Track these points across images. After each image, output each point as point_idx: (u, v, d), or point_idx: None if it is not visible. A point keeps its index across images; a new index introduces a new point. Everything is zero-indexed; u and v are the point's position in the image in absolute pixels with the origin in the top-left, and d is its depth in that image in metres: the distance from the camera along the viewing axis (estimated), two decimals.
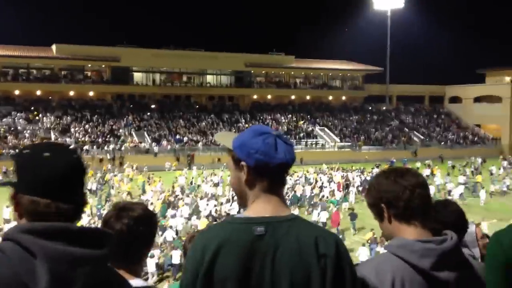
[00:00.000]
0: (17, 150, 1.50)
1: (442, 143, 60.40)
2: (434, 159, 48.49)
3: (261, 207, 1.73)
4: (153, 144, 49.18)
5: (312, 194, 29.58)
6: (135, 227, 2.21)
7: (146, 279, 16.42)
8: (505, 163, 45.28)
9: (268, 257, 1.64)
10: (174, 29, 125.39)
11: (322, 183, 33.40)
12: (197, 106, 60.66)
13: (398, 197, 1.84)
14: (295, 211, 24.56)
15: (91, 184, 32.88)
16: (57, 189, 1.41)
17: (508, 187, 33.76)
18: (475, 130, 66.26)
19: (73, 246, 1.34)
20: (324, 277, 1.63)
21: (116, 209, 2.30)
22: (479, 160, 45.87)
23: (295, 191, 29.98)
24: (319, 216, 23.89)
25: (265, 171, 1.72)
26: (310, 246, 1.65)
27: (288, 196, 27.91)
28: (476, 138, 63.92)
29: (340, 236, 21.79)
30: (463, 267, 1.82)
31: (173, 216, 23.08)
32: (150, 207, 24.94)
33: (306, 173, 37.23)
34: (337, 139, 57.48)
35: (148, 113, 56.36)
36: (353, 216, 24.10)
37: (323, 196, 29.19)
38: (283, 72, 67.33)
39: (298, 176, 35.59)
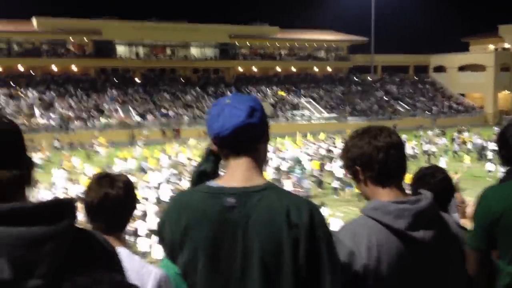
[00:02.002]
0: None
1: (427, 112, 60.78)
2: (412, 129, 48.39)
3: (230, 175, 1.72)
4: (139, 118, 48.89)
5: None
6: (129, 191, 2.30)
7: None
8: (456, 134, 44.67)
9: (239, 228, 1.62)
10: (156, 0, 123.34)
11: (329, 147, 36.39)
12: (182, 80, 60.18)
13: (372, 159, 1.83)
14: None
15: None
16: None
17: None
18: (460, 99, 66.70)
19: (28, 226, 1.22)
20: (297, 248, 1.59)
21: (104, 176, 2.35)
22: (430, 132, 46.00)
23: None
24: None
25: (215, 141, 1.74)
26: (281, 216, 1.60)
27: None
28: (460, 107, 64.40)
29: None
30: (438, 226, 1.85)
31: None
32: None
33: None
34: (323, 111, 57.56)
35: (133, 87, 55.83)
36: None
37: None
38: (268, 44, 66.83)
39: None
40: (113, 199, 2.24)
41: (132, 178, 17.59)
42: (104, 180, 2.31)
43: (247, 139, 1.71)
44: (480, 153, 33.02)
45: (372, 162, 1.84)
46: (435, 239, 1.80)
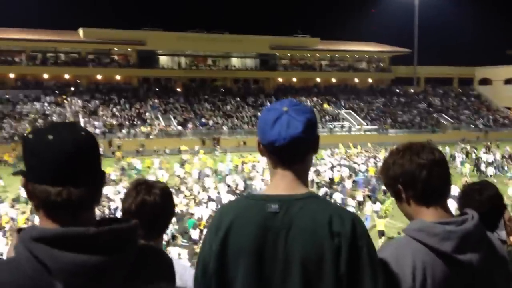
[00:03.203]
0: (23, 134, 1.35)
1: (472, 126, 59.30)
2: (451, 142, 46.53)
3: (275, 185, 1.71)
4: (179, 127, 49.59)
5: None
6: (165, 198, 2.32)
7: None
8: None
9: (281, 235, 1.61)
10: (199, 11, 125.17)
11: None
12: (222, 90, 60.75)
13: (415, 178, 1.75)
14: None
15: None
16: (66, 174, 1.27)
17: None
18: (506, 112, 64.79)
19: (91, 254, 1.23)
20: (338, 256, 1.58)
21: (142, 183, 2.36)
22: (447, 148, 41.36)
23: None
24: None
25: (267, 148, 1.70)
26: (323, 225, 1.59)
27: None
28: (506, 121, 62.54)
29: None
30: (485, 248, 1.76)
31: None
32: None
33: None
34: (363, 122, 56.98)
35: (174, 97, 56.74)
36: None
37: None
38: (309, 55, 66.76)
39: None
40: (150, 205, 2.26)
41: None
42: (141, 187, 2.33)
43: (300, 151, 1.71)
44: (476, 164, 34.01)
45: (415, 181, 1.76)
46: (481, 262, 1.72)
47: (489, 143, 44.14)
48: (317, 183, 27.76)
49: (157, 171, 31.11)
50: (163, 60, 61.02)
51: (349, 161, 35.15)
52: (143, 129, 47.72)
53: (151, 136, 46.62)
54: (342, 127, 55.46)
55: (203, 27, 61.91)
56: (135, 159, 36.13)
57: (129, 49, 58.36)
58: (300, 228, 1.61)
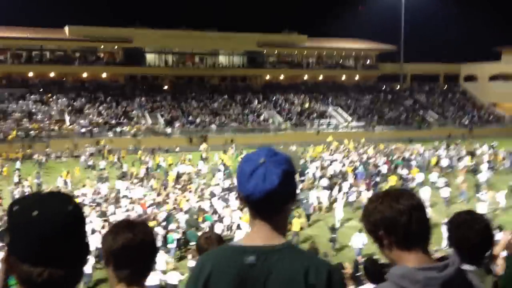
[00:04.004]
0: (9, 205, 1.29)
1: (459, 122, 59.72)
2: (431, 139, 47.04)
3: (253, 235, 1.74)
4: (167, 126, 49.36)
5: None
6: (153, 238, 2.25)
7: None
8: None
9: (258, 287, 1.65)
10: (185, 8, 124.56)
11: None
12: (210, 87, 60.58)
13: (396, 223, 1.79)
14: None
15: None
16: (48, 255, 1.24)
17: None
18: (491, 109, 65.36)
19: None
20: None
21: (128, 223, 2.27)
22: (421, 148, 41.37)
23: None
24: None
25: (245, 199, 1.71)
26: (299, 277, 1.63)
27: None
28: (491, 117, 63.06)
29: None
30: None
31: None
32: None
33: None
34: (350, 119, 57.17)
35: (161, 95, 56.48)
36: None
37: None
38: (296, 52, 66.79)
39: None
40: (140, 245, 2.17)
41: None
42: (129, 226, 2.23)
43: (277, 204, 1.72)
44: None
45: (396, 226, 1.79)
46: None
47: (459, 140, 45.56)
48: (320, 177, 29.00)
49: (179, 167, 32.63)
50: (150, 57, 60.69)
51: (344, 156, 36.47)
52: (129, 128, 47.41)
53: (138, 136, 46.39)
54: (329, 124, 55.62)
55: (190, 25, 61.74)
56: (158, 157, 37.06)
57: (116, 47, 57.99)
58: (277, 280, 1.64)
